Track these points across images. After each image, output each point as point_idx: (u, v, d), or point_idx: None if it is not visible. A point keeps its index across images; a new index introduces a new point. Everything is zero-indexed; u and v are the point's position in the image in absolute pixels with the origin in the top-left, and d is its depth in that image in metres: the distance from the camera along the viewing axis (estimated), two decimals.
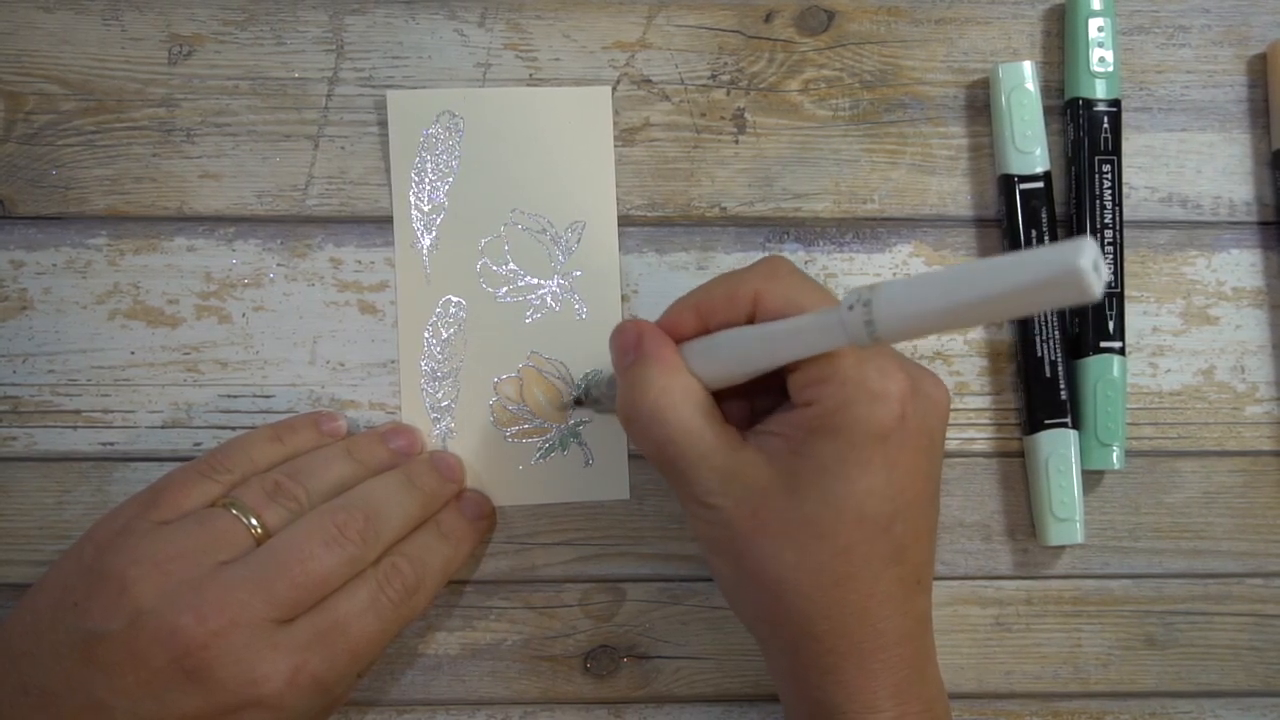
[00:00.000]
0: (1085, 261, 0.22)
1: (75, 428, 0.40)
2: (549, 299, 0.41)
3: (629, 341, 0.33)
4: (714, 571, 0.34)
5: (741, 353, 0.32)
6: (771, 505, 0.31)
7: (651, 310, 0.40)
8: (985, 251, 0.42)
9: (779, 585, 0.31)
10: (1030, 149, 0.41)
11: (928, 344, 0.42)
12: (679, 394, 0.32)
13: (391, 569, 0.35)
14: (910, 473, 0.31)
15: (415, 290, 0.41)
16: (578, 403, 0.41)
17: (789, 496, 0.31)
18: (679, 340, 0.34)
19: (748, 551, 0.32)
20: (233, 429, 0.40)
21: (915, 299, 0.26)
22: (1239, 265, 0.42)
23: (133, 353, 0.41)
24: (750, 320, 0.32)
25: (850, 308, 0.27)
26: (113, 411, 0.40)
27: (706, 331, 0.33)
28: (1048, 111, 0.42)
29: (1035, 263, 0.23)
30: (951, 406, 0.41)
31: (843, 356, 0.30)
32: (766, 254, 0.42)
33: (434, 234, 0.41)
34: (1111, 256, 0.41)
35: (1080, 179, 0.41)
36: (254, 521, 0.34)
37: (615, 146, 0.42)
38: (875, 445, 0.30)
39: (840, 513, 0.30)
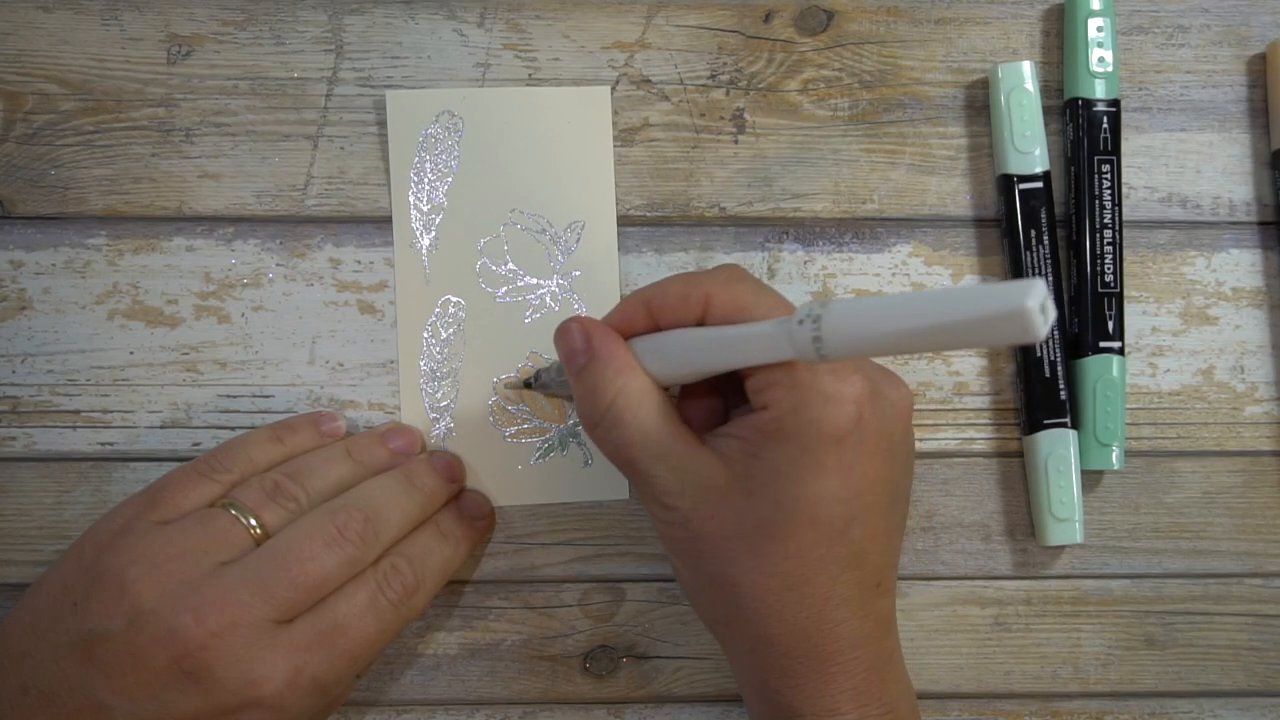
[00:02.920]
0: (1033, 303, 0.22)
1: (75, 428, 0.40)
2: (548, 299, 0.41)
3: (575, 343, 0.33)
4: (676, 573, 0.34)
5: (690, 355, 0.32)
6: (727, 507, 0.31)
7: None
8: (984, 251, 0.42)
9: (735, 587, 0.32)
10: (1029, 149, 0.41)
11: None
12: (636, 395, 0.32)
13: (391, 569, 0.35)
14: (868, 476, 0.31)
15: (414, 290, 0.41)
16: (527, 385, 0.40)
17: (744, 499, 0.31)
18: (628, 335, 0.34)
19: (705, 553, 0.32)
20: (232, 429, 0.40)
21: (865, 320, 0.26)
22: (1239, 265, 0.42)
23: (132, 353, 0.41)
24: (700, 322, 0.32)
25: (800, 322, 0.27)
26: (112, 411, 0.40)
27: (657, 328, 0.33)
28: (1047, 111, 0.42)
29: (985, 298, 0.23)
30: (951, 406, 0.42)
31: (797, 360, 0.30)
32: (766, 254, 0.42)
33: (433, 234, 0.41)
34: (1111, 256, 0.41)
35: (1080, 179, 0.41)
36: (253, 522, 0.34)
37: (614, 146, 0.42)
38: (829, 448, 0.30)
39: (793, 515, 0.30)
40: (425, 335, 0.41)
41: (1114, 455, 0.40)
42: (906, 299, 0.25)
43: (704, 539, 0.31)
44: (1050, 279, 0.41)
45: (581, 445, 0.41)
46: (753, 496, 0.31)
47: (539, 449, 0.41)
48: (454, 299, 0.41)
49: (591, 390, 0.33)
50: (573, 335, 0.33)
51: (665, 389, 0.33)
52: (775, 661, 0.32)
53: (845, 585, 0.31)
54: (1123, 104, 0.42)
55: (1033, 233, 0.41)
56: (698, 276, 0.33)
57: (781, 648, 0.32)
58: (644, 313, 0.33)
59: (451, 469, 0.39)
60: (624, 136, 0.42)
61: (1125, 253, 0.42)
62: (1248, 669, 0.42)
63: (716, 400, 0.35)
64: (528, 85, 0.42)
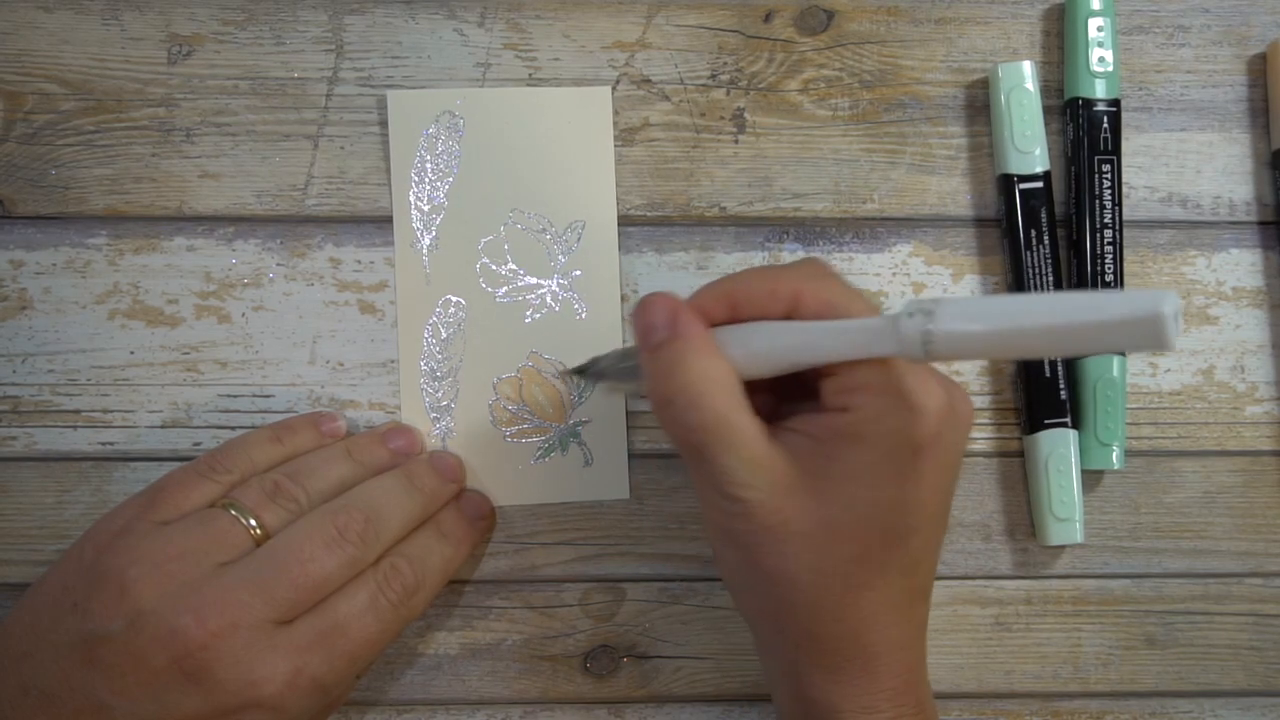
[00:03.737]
0: (1169, 309, 0.22)
1: (75, 427, 0.40)
2: (549, 299, 0.41)
3: (659, 318, 0.32)
4: (723, 562, 0.34)
5: (781, 346, 0.31)
6: (794, 504, 0.31)
7: None
8: (984, 251, 0.42)
9: (792, 584, 0.31)
10: (1030, 149, 0.41)
11: None
12: (716, 380, 0.31)
13: (391, 570, 0.35)
14: (934, 488, 0.31)
15: (415, 290, 0.41)
16: (579, 372, 0.39)
17: (813, 497, 0.30)
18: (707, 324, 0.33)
19: (765, 546, 0.31)
20: (232, 429, 0.40)
21: (980, 317, 0.25)
22: (1239, 265, 0.42)
23: (132, 352, 0.41)
24: (786, 318, 0.31)
25: (910, 315, 0.26)
26: (112, 411, 0.40)
27: (733, 320, 0.32)
28: (1047, 111, 0.42)
29: (1117, 302, 0.23)
30: None
31: (884, 366, 0.30)
32: (766, 254, 0.42)
33: (434, 234, 0.41)
34: (1112, 256, 0.41)
35: (1080, 179, 0.41)
36: (253, 522, 0.34)
37: (615, 146, 0.42)
38: (907, 459, 0.30)
39: (863, 520, 0.30)
40: (425, 335, 0.41)
41: (1114, 455, 0.40)
42: (1022, 299, 0.24)
43: (765, 532, 0.31)
44: (1050, 279, 0.41)
45: (581, 445, 0.41)
46: (822, 496, 0.30)
47: (539, 449, 0.41)
48: (454, 299, 0.41)
49: (668, 368, 0.31)
50: (655, 309, 0.32)
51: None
52: (821, 659, 0.32)
53: (898, 591, 0.32)
54: (1123, 104, 0.42)
55: (1033, 232, 0.41)
56: (783, 271, 0.32)
57: (831, 645, 0.32)
58: (725, 305, 0.32)
59: (452, 469, 0.39)
60: (624, 136, 0.42)
61: (1125, 253, 0.42)
62: (1248, 669, 0.42)
63: (773, 397, 0.34)
64: (528, 85, 0.42)
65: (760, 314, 0.32)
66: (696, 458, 0.32)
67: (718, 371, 0.31)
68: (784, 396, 0.34)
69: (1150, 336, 0.22)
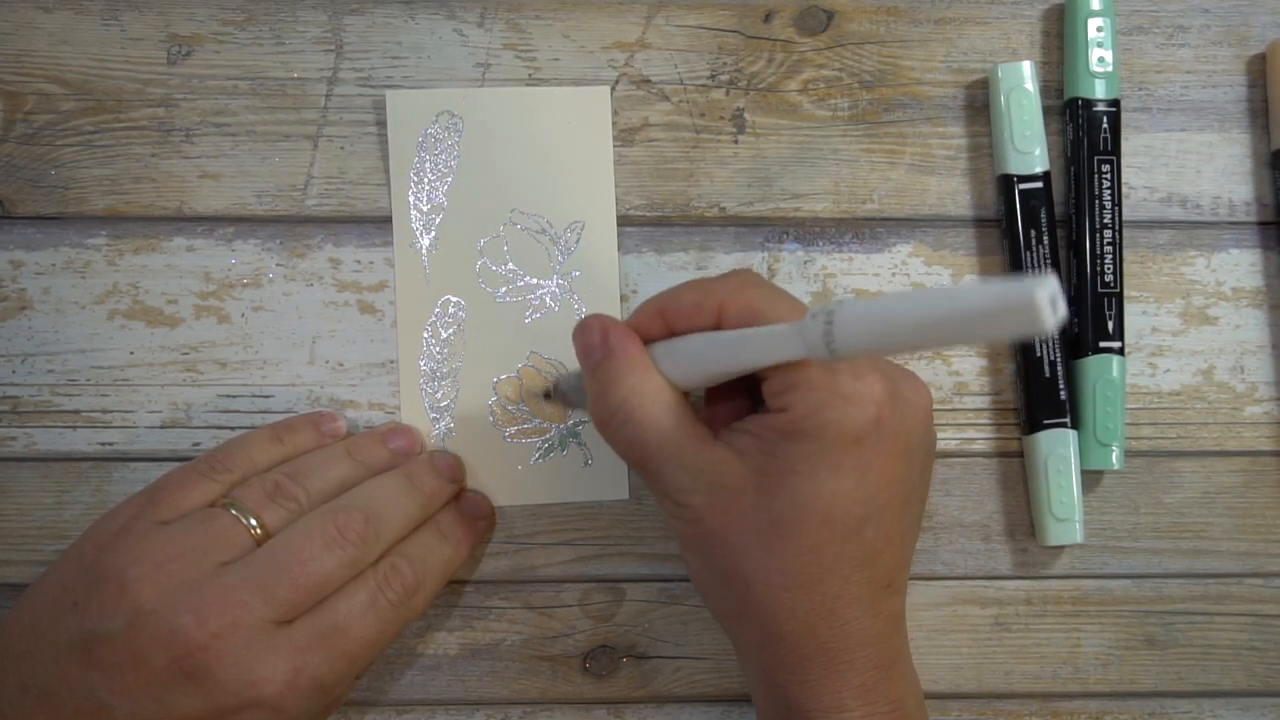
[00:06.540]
0: (1043, 294, 0.22)
1: (75, 428, 0.40)
2: (548, 299, 0.41)
3: (593, 339, 0.33)
4: (688, 567, 0.34)
5: (704, 357, 0.32)
6: (741, 504, 0.31)
7: None
8: (984, 251, 0.42)
9: (747, 583, 0.32)
10: (1029, 149, 0.41)
11: None
12: (649, 393, 0.32)
13: (391, 570, 0.35)
14: (884, 477, 0.31)
15: (414, 290, 0.41)
16: (546, 396, 0.40)
17: (758, 496, 0.31)
18: (645, 341, 0.34)
19: (717, 548, 0.32)
20: (232, 429, 0.40)
21: (876, 316, 0.26)
22: (1238, 265, 0.42)
23: (132, 353, 0.41)
24: (716, 328, 0.32)
25: (813, 318, 0.27)
26: (112, 411, 0.40)
27: (672, 335, 0.33)
28: (1047, 111, 0.42)
29: (996, 291, 0.23)
30: (951, 406, 0.42)
31: (814, 363, 0.30)
32: (766, 254, 0.42)
33: (433, 234, 0.41)
34: (1111, 256, 0.41)
35: (1079, 179, 0.41)
36: (254, 522, 0.34)
37: (614, 146, 0.42)
38: (847, 449, 0.30)
39: (807, 514, 0.30)
40: (425, 335, 0.41)
41: (1114, 455, 0.40)
42: (917, 294, 0.25)
43: (716, 534, 0.32)
44: None
45: (581, 445, 0.41)
46: (767, 494, 0.31)
47: (539, 449, 0.41)
48: (454, 299, 0.41)
49: (604, 386, 0.33)
50: (590, 331, 0.33)
51: (686, 395, 0.33)
52: (784, 658, 0.32)
53: (856, 584, 0.32)
54: (1123, 104, 0.42)
55: (1033, 233, 0.41)
56: (710, 284, 0.33)
57: (790, 644, 0.32)
58: (659, 320, 0.33)
59: (452, 469, 0.39)
60: (624, 136, 0.42)
61: (1125, 253, 0.42)
62: (1248, 669, 0.42)
63: (744, 401, 0.35)
64: (528, 85, 0.42)
65: (690, 326, 0.33)
66: (641, 469, 0.33)
67: (650, 385, 0.32)
68: (755, 400, 0.34)
69: (1028, 321, 0.23)
